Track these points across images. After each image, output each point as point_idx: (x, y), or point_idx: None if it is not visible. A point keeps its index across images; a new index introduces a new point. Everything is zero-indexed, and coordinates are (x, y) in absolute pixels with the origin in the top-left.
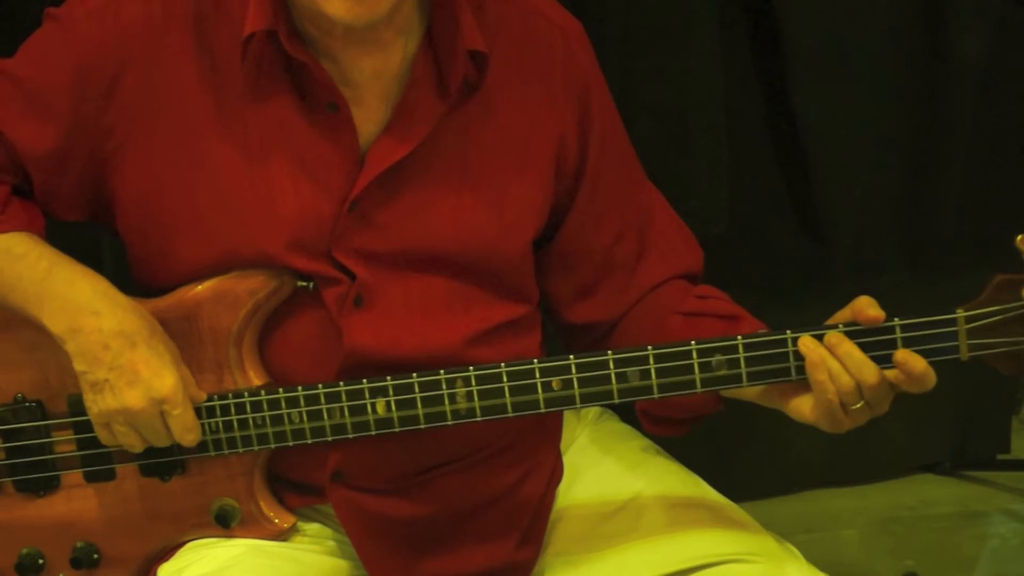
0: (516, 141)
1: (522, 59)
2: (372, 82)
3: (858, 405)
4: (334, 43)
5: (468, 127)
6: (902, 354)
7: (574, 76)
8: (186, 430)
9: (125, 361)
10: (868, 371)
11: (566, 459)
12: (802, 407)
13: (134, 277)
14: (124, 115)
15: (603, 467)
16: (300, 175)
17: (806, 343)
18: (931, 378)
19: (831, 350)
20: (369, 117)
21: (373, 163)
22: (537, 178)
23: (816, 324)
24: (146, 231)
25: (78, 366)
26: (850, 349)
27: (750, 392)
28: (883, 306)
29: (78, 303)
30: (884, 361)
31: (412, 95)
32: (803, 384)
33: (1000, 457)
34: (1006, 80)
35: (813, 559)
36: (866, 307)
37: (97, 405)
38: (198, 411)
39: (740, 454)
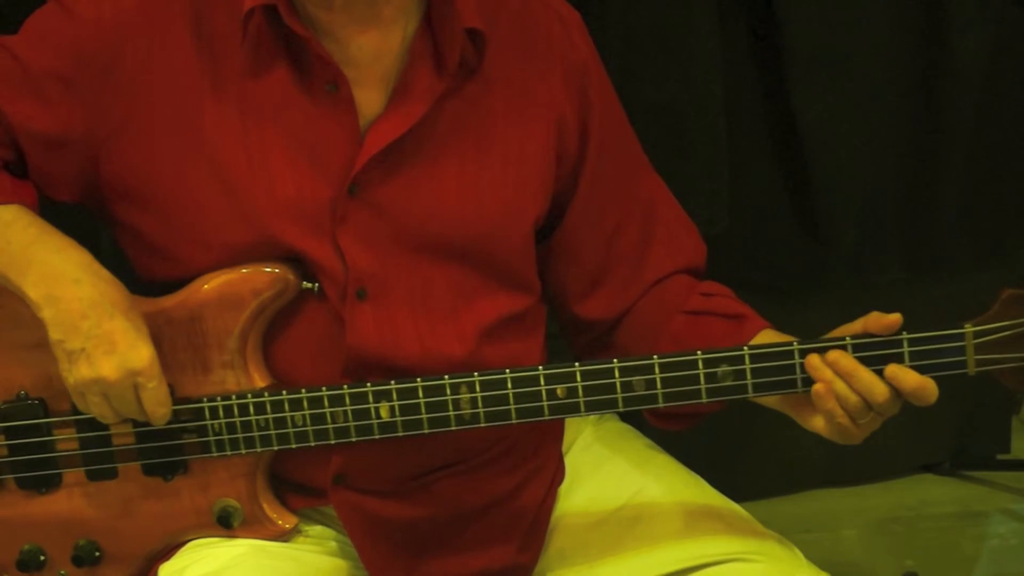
0: (515, 121)
1: (521, 41)
2: (371, 62)
3: (867, 419)
4: (334, 20)
5: (467, 108)
6: (892, 369)
7: (573, 62)
8: (158, 404)
9: (103, 331)
10: (877, 390)
11: (567, 460)
12: (815, 423)
13: (133, 267)
14: (122, 98)
15: (604, 468)
16: (298, 155)
17: (812, 365)
18: (928, 391)
19: (835, 370)
20: (369, 98)
21: (372, 142)
22: (538, 158)
23: (818, 328)
24: (145, 214)
25: (54, 334)
26: (854, 369)
27: (764, 401)
28: (883, 306)
29: (60, 271)
30: None
31: (410, 74)
32: (808, 402)
33: (1000, 457)
34: (1006, 80)
35: (813, 559)
36: (880, 317)
37: (72, 375)
38: (202, 411)
39: (740, 454)
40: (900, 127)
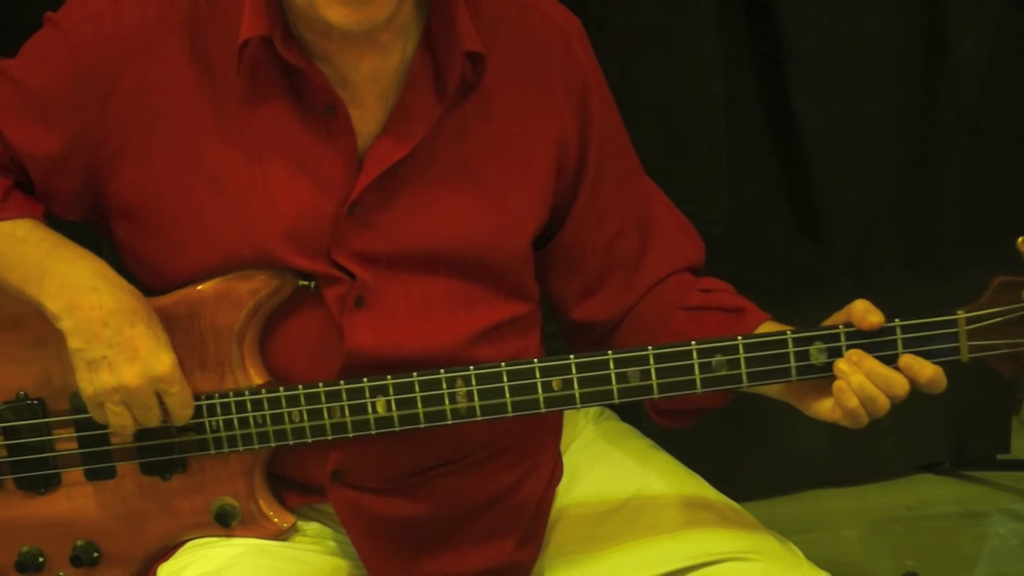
0: (515, 140)
1: (520, 58)
2: (370, 84)
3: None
4: (330, 46)
5: (466, 127)
6: (907, 360)
7: (573, 74)
8: (184, 406)
9: (124, 339)
10: (897, 385)
11: (566, 458)
12: (821, 409)
13: (134, 277)
14: (121, 120)
15: (603, 466)
16: (299, 177)
17: (841, 369)
18: (940, 380)
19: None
20: (367, 118)
21: (372, 165)
22: (537, 176)
23: (815, 324)
24: (147, 235)
25: (74, 343)
26: (872, 366)
27: (768, 391)
28: (883, 306)
29: (78, 281)
30: (887, 363)
31: (410, 96)
32: (820, 385)
33: (1000, 457)
34: (1006, 80)
35: (813, 559)
36: (865, 313)
37: (92, 384)
38: (199, 410)
39: (740, 454)
40: (900, 127)
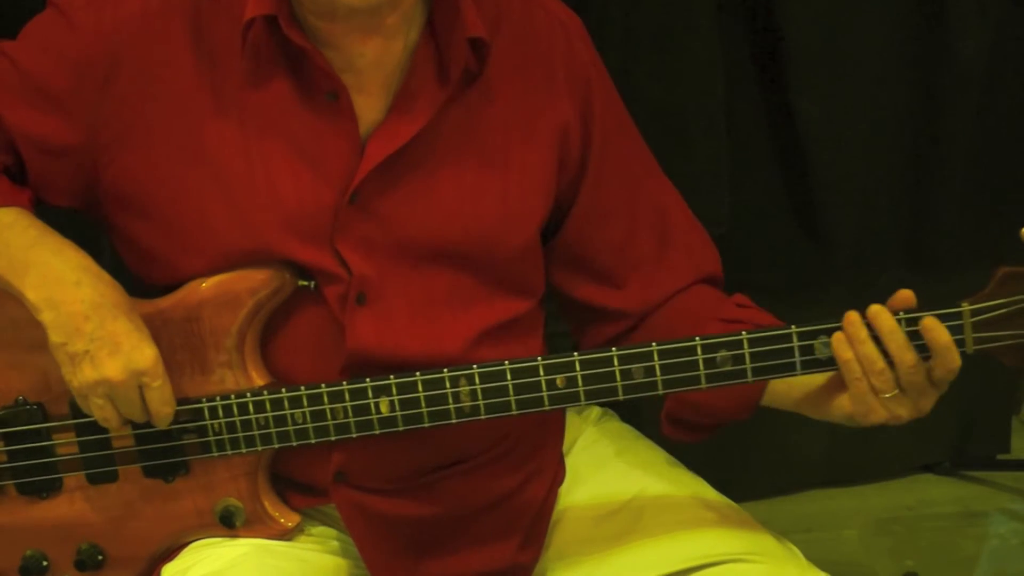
0: (517, 129)
1: (523, 49)
2: (374, 70)
3: (892, 393)
4: (336, 29)
5: (469, 115)
6: (929, 321)
7: (575, 69)
8: (163, 403)
9: (106, 333)
10: (909, 353)
11: (568, 460)
12: (840, 403)
13: (131, 272)
14: (121, 107)
15: (604, 468)
16: (300, 164)
17: (849, 320)
18: (954, 354)
19: (872, 321)
20: (370, 105)
21: (373, 152)
22: (539, 166)
23: (816, 323)
24: (145, 222)
25: (55, 337)
26: (893, 328)
27: (788, 402)
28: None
29: (60, 273)
30: None
31: (413, 83)
32: (833, 388)
33: (1000, 457)
34: (1006, 80)
35: (813, 559)
36: (896, 296)
37: (76, 378)
38: (202, 411)
39: (740, 454)
40: (900, 127)
